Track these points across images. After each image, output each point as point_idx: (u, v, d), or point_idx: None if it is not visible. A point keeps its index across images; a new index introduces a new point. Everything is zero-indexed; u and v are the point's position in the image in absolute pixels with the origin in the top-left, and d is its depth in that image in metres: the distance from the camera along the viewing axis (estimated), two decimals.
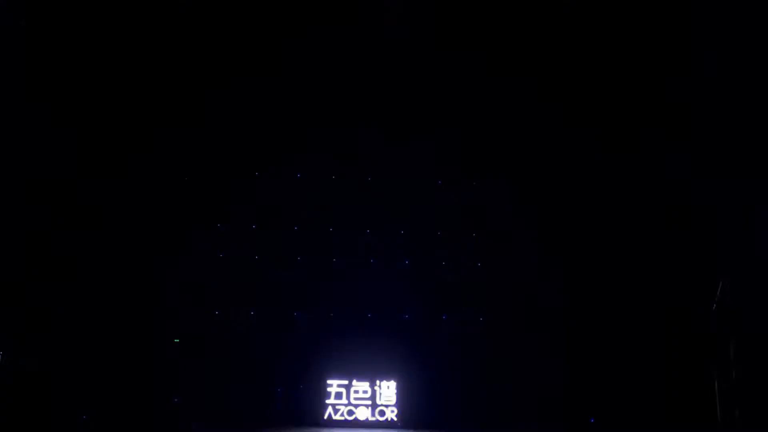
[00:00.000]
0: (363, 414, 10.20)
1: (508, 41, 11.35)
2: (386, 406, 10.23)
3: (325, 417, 10.18)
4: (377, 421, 10.18)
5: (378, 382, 10.31)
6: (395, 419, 10.19)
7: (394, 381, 10.34)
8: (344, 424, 10.15)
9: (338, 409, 10.22)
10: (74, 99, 10.79)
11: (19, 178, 10.15)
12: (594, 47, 11.31)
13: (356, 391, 10.29)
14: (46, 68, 10.61)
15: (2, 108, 10.06)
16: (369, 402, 10.24)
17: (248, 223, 11.48)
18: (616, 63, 11.30)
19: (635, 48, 11.16)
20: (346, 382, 10.33)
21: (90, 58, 10.87)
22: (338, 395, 10.28)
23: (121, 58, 11.03)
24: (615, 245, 11.04)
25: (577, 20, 11.10)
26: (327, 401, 10.26)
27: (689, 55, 10.78)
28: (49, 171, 10.38)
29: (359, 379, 10.33)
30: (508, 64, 11.39)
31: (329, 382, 10.33)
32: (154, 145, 11.17)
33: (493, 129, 11.65)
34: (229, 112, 11.57)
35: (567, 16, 10.85)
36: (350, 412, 10.21)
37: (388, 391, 10.30)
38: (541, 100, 11.37)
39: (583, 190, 11.38)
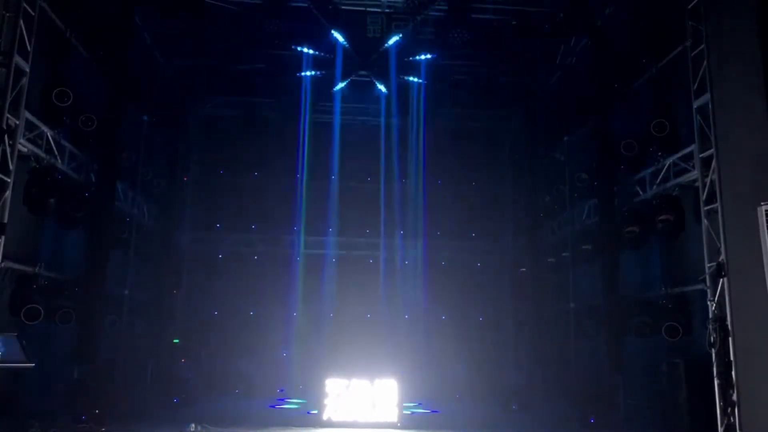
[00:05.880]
0: (363, 414, 10.06)
1: None
2: (386, 405, 10.05)
3: (325, 417, 10.05)
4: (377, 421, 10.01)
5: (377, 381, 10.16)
6: (395, 419, 10.05)
7: (394, 380, 10.20)
8: (344, 424, 10.00)
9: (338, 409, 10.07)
10: None
11: None
12: None
13: (356, 391, 10.13)
14: None
15: None
16: (369, 401, 10.08)
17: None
18: None
19: None
20: (346, 381, 10.20)
21: None
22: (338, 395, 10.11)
23: None
24: None
25: None
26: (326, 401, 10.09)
27: None
28: None
29: (359, 379, 10.18)
30: None
31: (329, 381, 10.18)
32: None
33: None
34: None
35: None
36: (350, 412, 10.05)
37: (387, 390, 10.14)
38: None
39: None
